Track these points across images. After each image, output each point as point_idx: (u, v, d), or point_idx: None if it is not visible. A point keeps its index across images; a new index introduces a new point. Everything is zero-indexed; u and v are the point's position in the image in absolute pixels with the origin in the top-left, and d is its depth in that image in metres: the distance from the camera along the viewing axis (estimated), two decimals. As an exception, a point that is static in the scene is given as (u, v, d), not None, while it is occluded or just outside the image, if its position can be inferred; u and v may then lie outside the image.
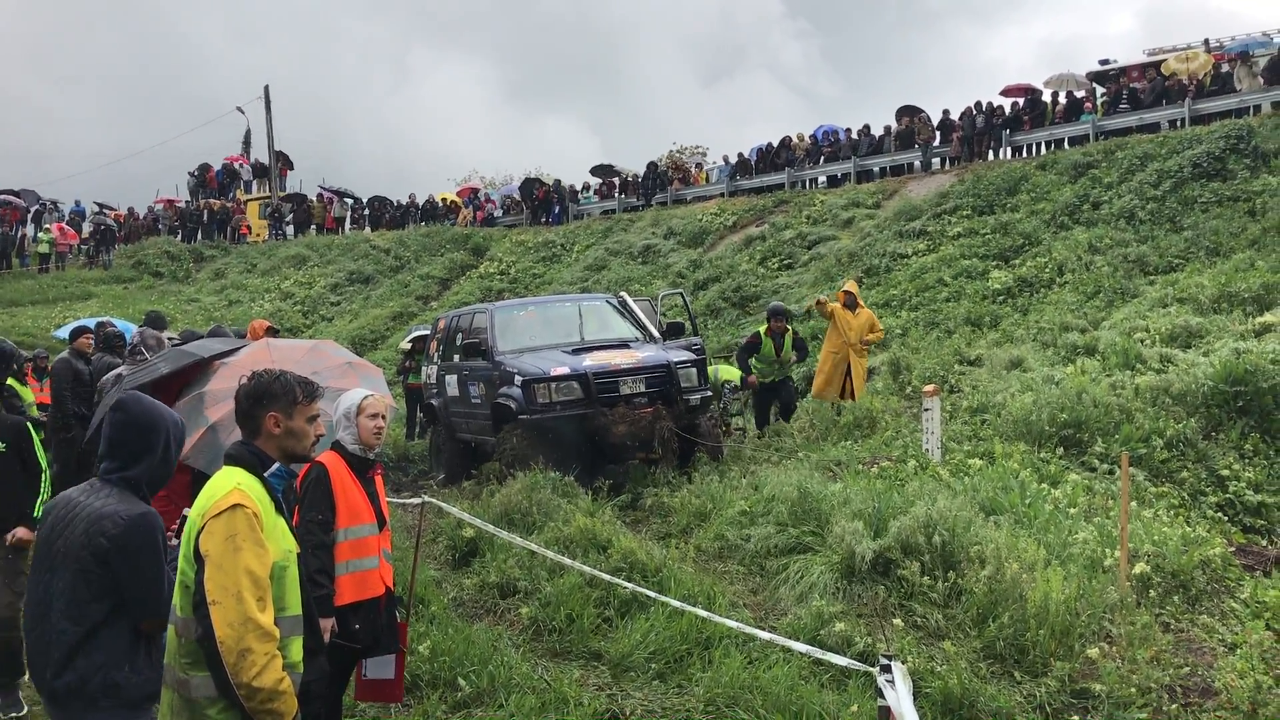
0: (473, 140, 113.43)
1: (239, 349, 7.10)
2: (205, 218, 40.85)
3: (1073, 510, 8.16)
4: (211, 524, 3.26)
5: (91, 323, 12.55)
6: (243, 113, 45.82)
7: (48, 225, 39.48)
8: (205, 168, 45.26)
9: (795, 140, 31.24)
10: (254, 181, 45.05)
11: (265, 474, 3.46)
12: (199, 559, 3.26)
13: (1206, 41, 28.58)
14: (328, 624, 4.71)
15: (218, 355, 6.90)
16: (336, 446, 4.97)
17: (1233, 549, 7.95)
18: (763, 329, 14.01)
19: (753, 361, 13.75)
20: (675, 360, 11.59)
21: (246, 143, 45.57)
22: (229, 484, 3.35)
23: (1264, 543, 8.80)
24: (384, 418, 5.10)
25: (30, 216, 41.63)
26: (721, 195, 31.58)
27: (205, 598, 3.20)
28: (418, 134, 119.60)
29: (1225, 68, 24.00)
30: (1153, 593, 6.66)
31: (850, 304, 14.05)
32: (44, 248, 36.85)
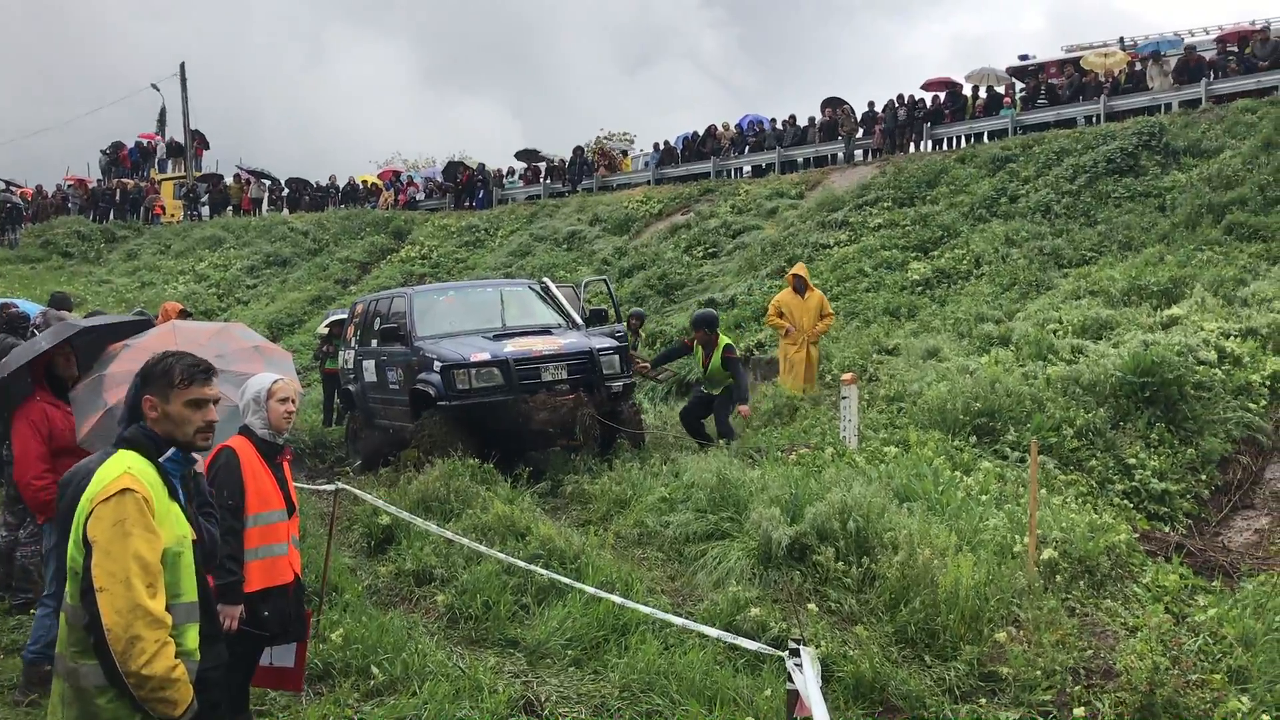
0: (391, 122, 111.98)
1: (138, 330, 6.90)
2: (118, 197, 39.76)
3: (984, 497, 8.31)
4: (99, 509, 3.15)
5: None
6: (157, 90, 44.74)
7: (-51, 203, 38.13)
8: (118, 145, 44.10)
9: (721, 130, 31.35)
10: (169, 160, 43.97)
11: (161, 458, 3.35)
12: (87, 545, 3.16)
13: (1121, 40, 29.28)
14: (237, 610, 4.62)
15: (108, 332, 6.69)
16: (245, 431, 4.89)
17: (1137, 535, 8.17)
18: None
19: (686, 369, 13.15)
20: (598, 347, 11.56)
21: (161, 120, 44.48)
22: (119, 468, 3.24)
23: (1166, 529, 9.05)
24: (294, 402, 5.02)
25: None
26: (648, 183, 31.58)
27: (93, 584, 3.10)
28: (334, 115, 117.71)
29: (1139, 66, 24.61)
30: (1059, 578, 6.81)
31: (799, 288, 13.73)
32: (-55, 227, 35.62)
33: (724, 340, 12.04)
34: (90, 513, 3.18)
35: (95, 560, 3.11)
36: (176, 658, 3.17)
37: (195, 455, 3.53)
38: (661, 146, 32.80)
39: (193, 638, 3.30)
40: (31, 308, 11.00)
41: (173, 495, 3.34)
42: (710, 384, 12.13)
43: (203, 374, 3.43)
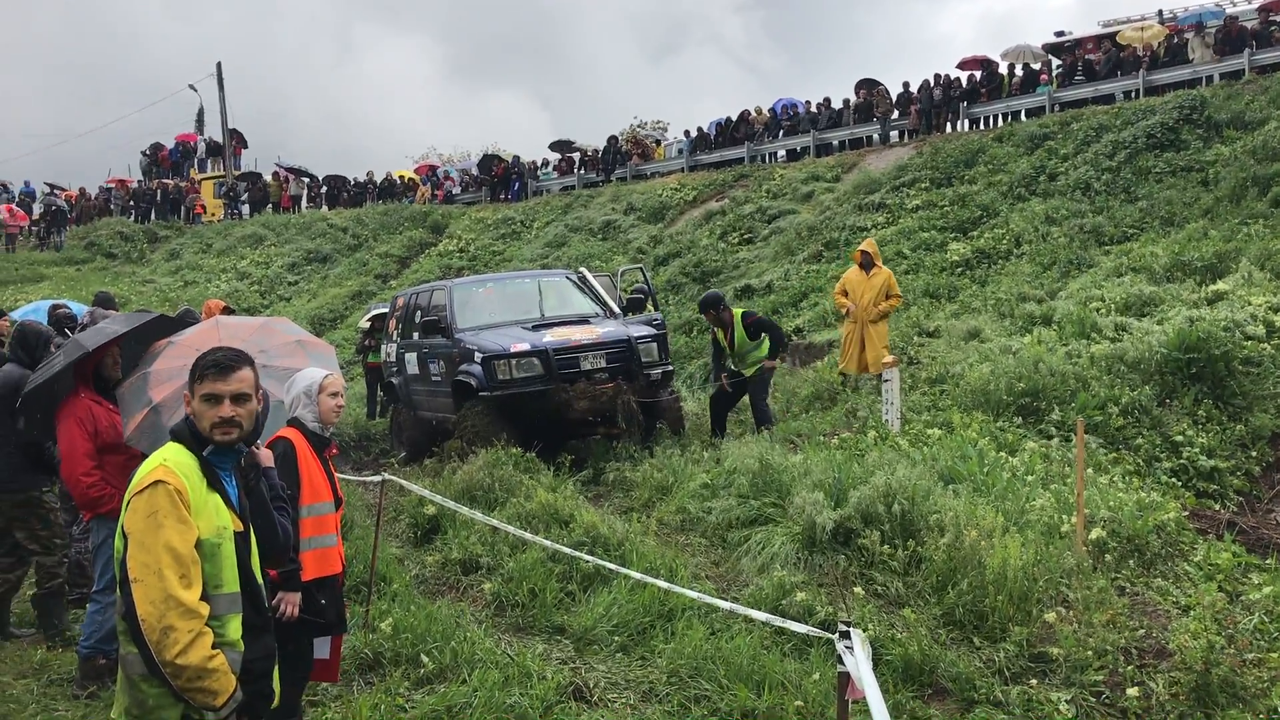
0: (419, 117, 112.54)
1: (178, 326, 6.96)
2: (159, 197, 40.24)
3: (1030, 478, 8.25)
4: (134, 501, 3.21)
5: (41, 304, 12.35)
6: (195, 90, 45.44)
7: (-4, 206, 38.76)
8: (158, 146, 44.63)
9: (754, 114, 31.21)
10: (208, 160, 44.43)
11: (205, 451, 3.39)
12: (124, 536, 3.21)
13: (1160, 13, 28.81)
14: (297, 597, 4.67)
15: (152, 330, 6.72)
16: (296, 424, 4.94)
17: (1186, 513, 8.07)
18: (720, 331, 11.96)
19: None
20: (636, 335, 11.58)
21: (200, 120, 44.94)
22: (156, 461, 3.30)
23: (1217, 507, 8.94)
24: (342, 396, 5.09)
25: (-21, 198, 40.90)
26: (681, 170, 31.53)
27: (129, 575, 3.16)
28: (362, 111, 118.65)
29: (1178, 39, 24.22)
30: (1108, 557, 6.75)
31: (865, 264, 12.73)
32: (-8, 230, 36.20)
33: (738, 311, 11.85)
34: (127, 505, 3.24)
35: (130, 552, 3.17)
36: (218, 648, 3.20)
37: (242, 448, 3.55)
38: (694, 133, 32.70)
39: (235, 628, 3.32)
40: (79, 308, 11.18)
41: (214, 486, 3.36)
42: (741, 361, 11.76)
43: (214, 369, 3.41)
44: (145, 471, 3.27)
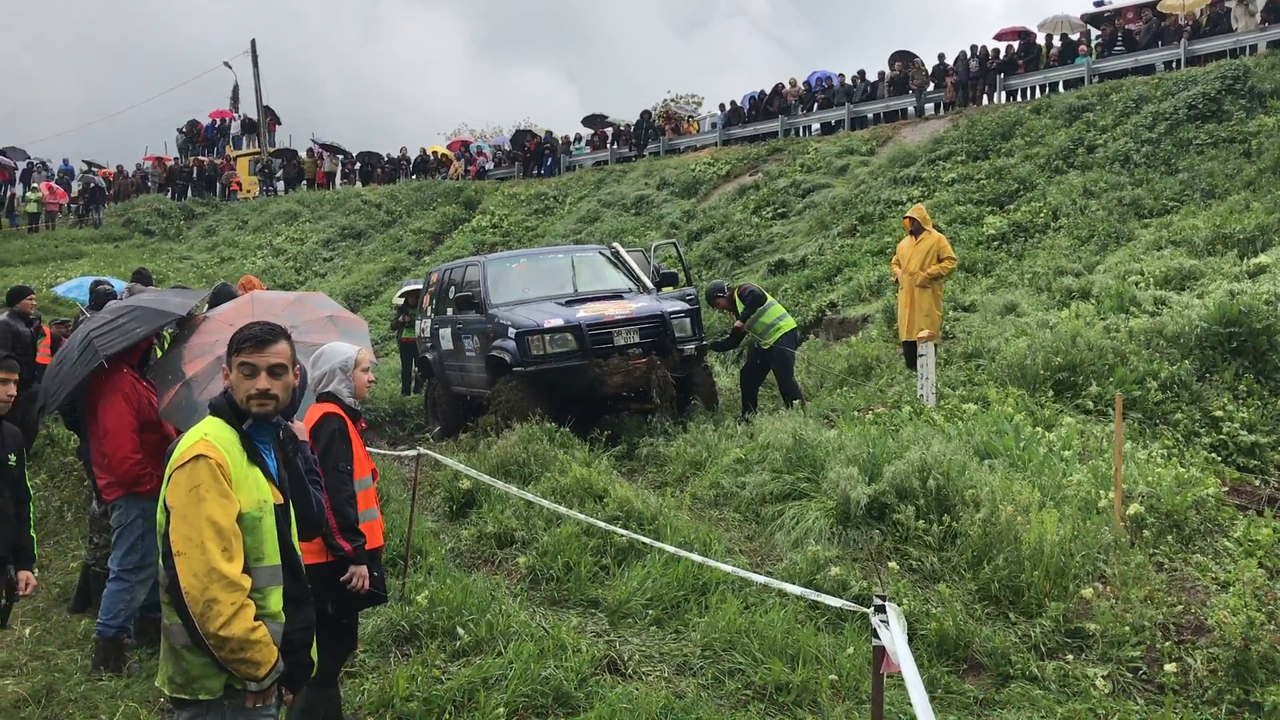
0: (445, 93, 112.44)
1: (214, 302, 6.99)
2: (195, 174, 40.53)
3: (1067, 453, 8.18)
4: (176, 475, 3.24)
5: (83, 280, 12.51)
6: (229, 67, 45.42)
7: (36, 184, 39.12)
8: (194, 124, 44.87)
9: (788, 87, 30.97)
10: (243, 137, 44.67)
11: (244, 424, 3.42)
12: (166, 510, 3.25)
13: (1203, -20, 28.25)
14: (364, 569, 4.72)
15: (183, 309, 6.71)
16: (332, 399, 4.90)
17: (1226, 489, 7.99)
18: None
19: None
20: (669, 310, 11.56)
21: (235, 97, 45.10)
22: (197, 435, 3.33)
23: (1257, 482, 8.83)
24: (373, 371, 5.12)
25: (19, 175, 41.30)
26: (715, 144, 31.36)
27: (171, 548, 3.20)
28: (389, 87, 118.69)
29: (1221, 7, 23.76)
30: (1146, 533, 6.70)
31: (914, 230, 12.20)
32: (33, 207, 36.54)
33: (736, 287, 12.22)
34: (169, 479, 3.28)
35: (172, 525, 3.21)
36: (259, 620, 3.24)
37: (280, 420, 3.59)
38: (728, 107, 32.51)
39: (276, 600, 3.36)
40: (119, 284, 11.33)
41: (254, 460, 3.40)
42: (760, 336, 11.88)
43: (251, 342, 3.44)
44: (186, 445, 3.30)
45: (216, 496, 3.20)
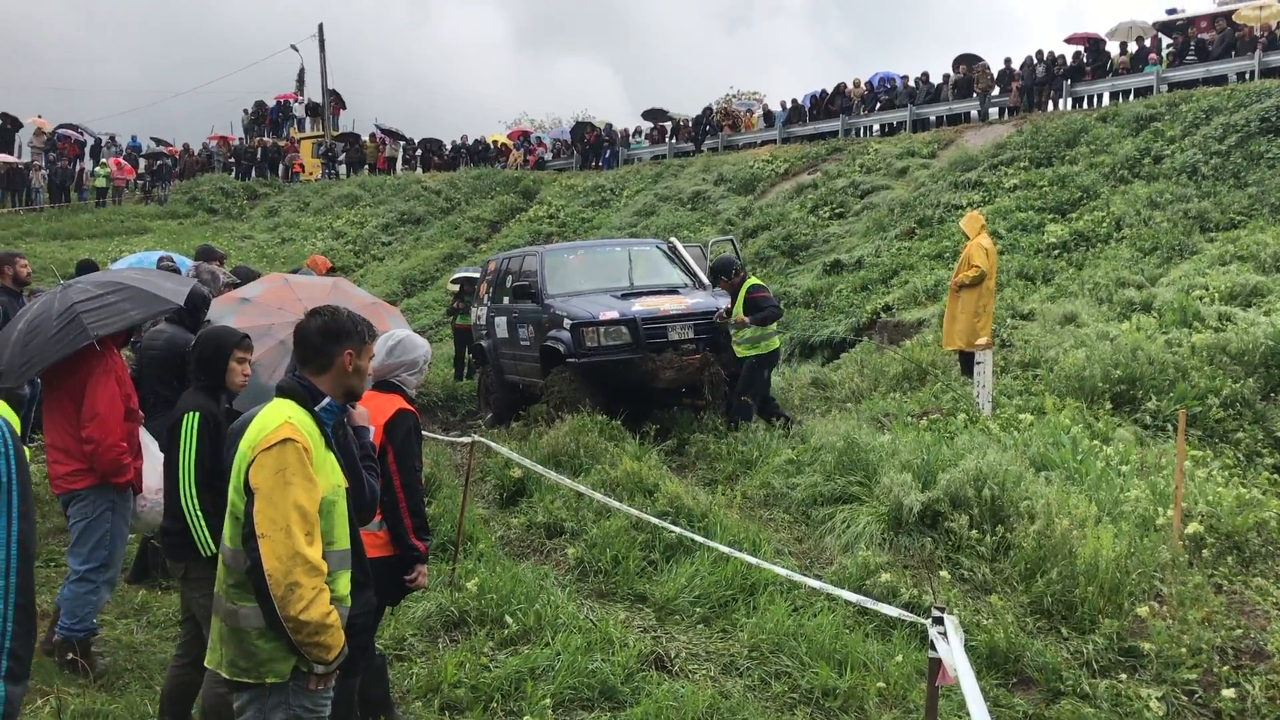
0: (491, 84, 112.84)
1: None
2: (259, 155, 41.09)
3: (1125, 468, 8.07)
4: (262, 457, 3.27)
5: (145, 255, 12.72)
6: (296, 50, 45.89)
7: (105, 160, 39.89)
8: (260, 105, 45.45)
9: (851, 87, 30.76)
10: (307, 120, 45.19)
11: (316, 408, 3.46)
12: (249, 491, 3.28)
13: (1281, -9, 27.64)
14: (424, 569, 4.74)
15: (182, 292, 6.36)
16: (399, 391, 4.76)
17: (1289, 511, 7.82)
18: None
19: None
20: (724, 307, 11.53)
21: (300, 81, 45.62)
22: (280, 417, 3.34)
23: (1320, 506, 8.64)
24: None
25: (88, 151, 42.11)
26: (774, 142, 31.23)
27: (254, 530, 3.23)
28: (436, 76, 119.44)
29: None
30: (1205, 553, 6.58)
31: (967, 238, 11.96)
32: (101, 182, 37.28)
33: (750, 281, 10.88)
34: (253, 460, 3.29)
35: (257, 507, 3.24)
36: (330, 604, 3.28)
37: (349, 405, 3.64)
38: (787, 105, 32.34)
39: (344, 584, 3.41)
40: (184, 261, 11.49)
41: (328, 445, 3.44)
42: (745, 341, 10.71)
43: (372, 334, 3.59)
44: (272, 428, 3.31)
45: (302, 480, 3.24)
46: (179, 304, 6.12)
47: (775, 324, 10.81)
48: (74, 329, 5.57)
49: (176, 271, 10.34)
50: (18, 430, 2.25)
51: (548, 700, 5.12)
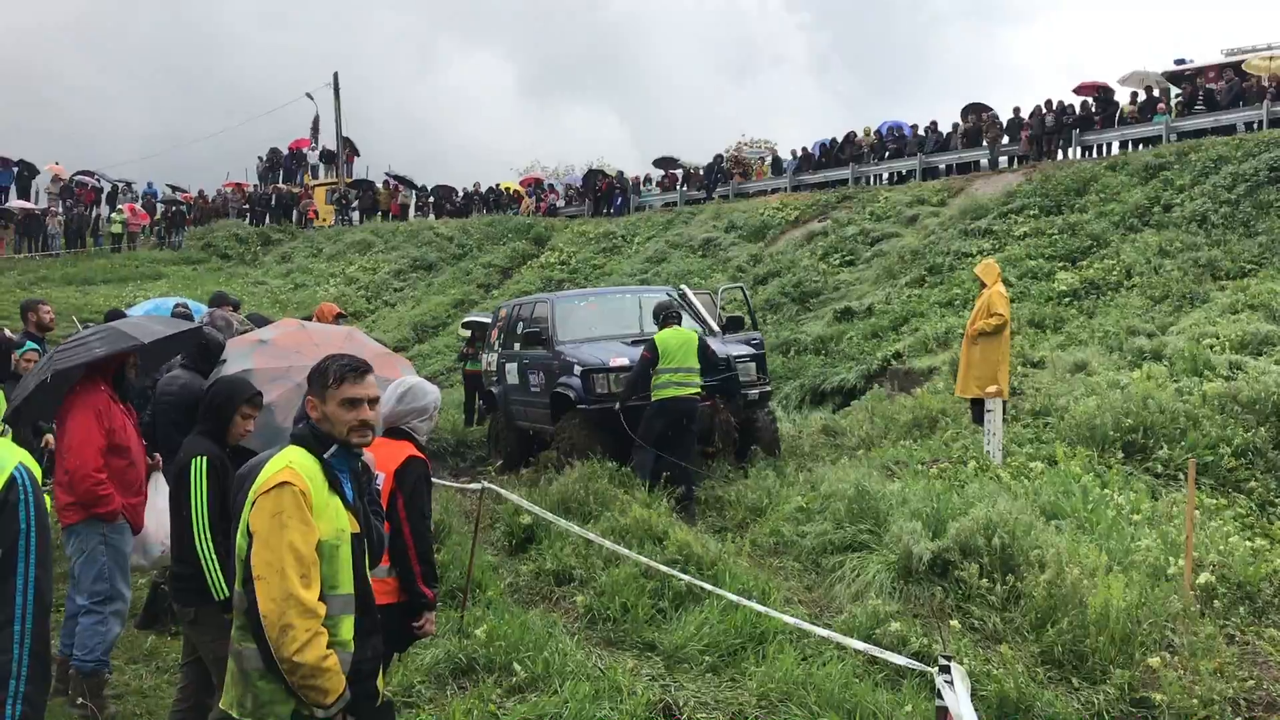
0: (497, 131, 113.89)
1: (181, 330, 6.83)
2: (273, 201, 41.46)
3: (1136, 517, 8.05)
4: (261, 500, 3.33)
5: (159, 302, 12.82)
6: (311, 98, 46.34)
7: (121, 206, 40.30)
8: (275, 152, 45.93)
9: (860, 135, 31.00)
10: (321, 166, 45.63)
11: (325, 455, 3.48)
12: (249, 535, 3.34)
13: (1288, 41, 27.83)
14: (433, 618, 4.75)
15: (169, 344, 6.57)
16: (410, 439, 4.73)
17: (1302, 562, 7.77)
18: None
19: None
20: (734, 354, 11.58)
21: (315, 128, 46.10)
22: (282, 463, 3.40)
23: (1334, 557, 8.59)
24: None
25: (104, 197, 42.57)
26: (784, 189, 31.42)
27: (252, 573, 3.28)
28: (444, 123, 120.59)
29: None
30: (1217, 603, 6.55)
31: (982, 286, 11.80)
32: (117, 228, 37.66)
33: (690, 334, 10.61)
34: (253, 504, 3.36)
35: (255, 549, 3.30)
36: (331, 648, 3.29)
37: (361, 451, 3.66)
38: (799, 153, 32.58)
39: (347, 629, 3.42)
40: (198, 307, 11.59)
41: (334, 489, 3.46)
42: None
43: (354, 373, 3.52)
44: (272, 473, 3.38)
45: (298, 524, 3.28)
46: (144, 342, 6.16)
47: (665, 375, 10.28)
48: (44, 368, 5.95)
49: (190, 319, 10.46)
50: (39, 478, 2.29)
51: (556, 748, 5.11)
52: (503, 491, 8.78)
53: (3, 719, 2.15)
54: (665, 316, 10.75)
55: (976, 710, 5.29)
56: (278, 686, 3.31)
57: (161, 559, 6.04)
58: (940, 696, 3.50)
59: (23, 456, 2.29)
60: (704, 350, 10.51)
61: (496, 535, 9.62)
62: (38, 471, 2.31)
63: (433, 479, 5.31)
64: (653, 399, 10.34)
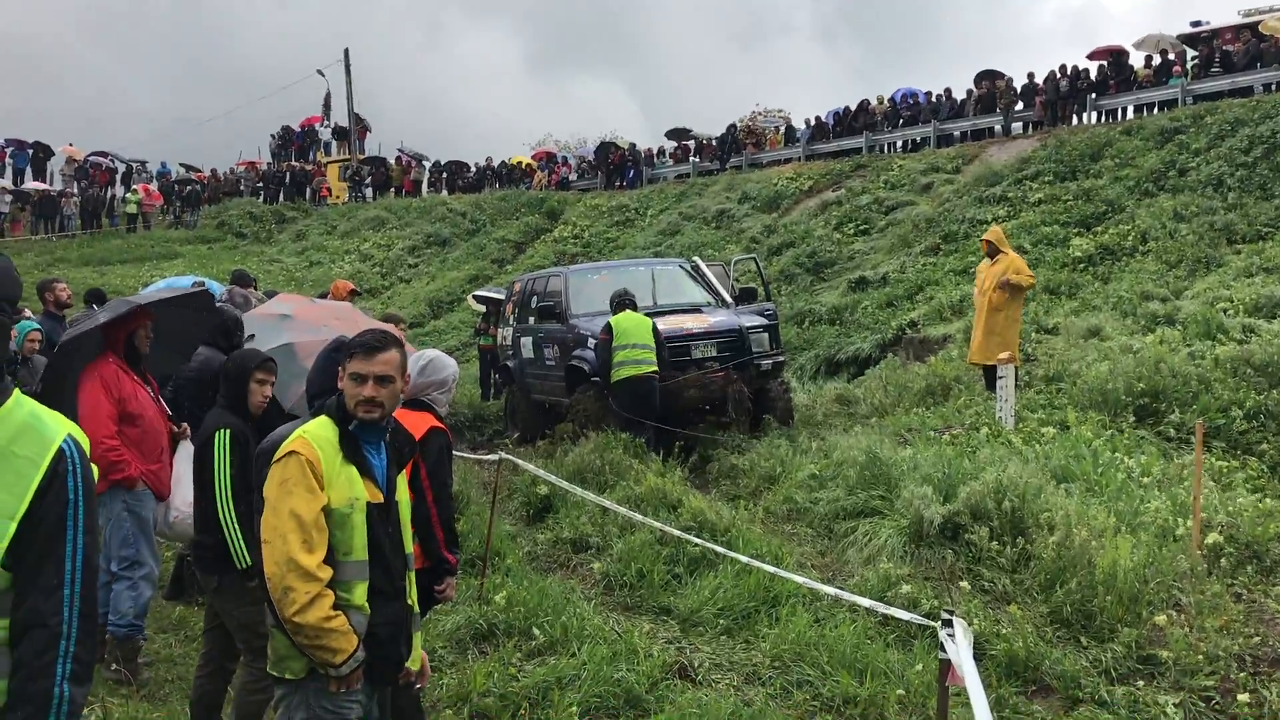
0: (515, 106, 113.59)
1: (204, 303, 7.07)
2: (287, 179, 41.57)
3: (1146, 480, 8.11)
4: (272, 469, 3.46)
5: (174, 280, 12.95)
6: (323, 75, 46.39)
7: (136, 186, 40.48)
8: (287, 129, 46.00)
9: (874, 104, 30.87)
10: (333, 143, 45.69)
11: (350, 425, 3.55)
12: (263, 501, 3.49)
13: (1306, 2, 27.57)
14: (454, 582, 4.89)
15: (178, 305, 6.83)
16: (430, 410, 4.82)
17: (1311, 522, 7.83)
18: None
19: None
20: (747, 325, 11.66)
21: (326, 105, 46.13)
22: (298, 433, 3.52)
23: (1344, 517, 8.64)
24: None
25: (119, 178, 42.76)
26: (798, 159, 31.34)
27: (261, 536, 3.44)
28: (451, 97, 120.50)
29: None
30: (1224, 563, 6.62)
31: (990, 253, 11.85)
32: (132, 208, 37.84)
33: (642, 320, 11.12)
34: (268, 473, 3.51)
35: (264, 516, 3.44)
36: (342, 610, 3.39)
37: (389, 423, 3.73)
38: (812, 122, 32.47)
39: (361, 593, 3.50)
40: (216, 286, 11.70)
41: (350, 459, 3.52)
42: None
43: (362, 350, 3.58)
44: (286, 443, 3.51)
45: (302, 491, 3.38)
46: (141, 304, 6.35)
47: (622, 354, 10.81)
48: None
49: (212, 298, 10.58)
50: (86, 450, 2.41)
51: (574, 708, 5.24)
52: (520, 462, 8.91)
53: (53, 676, 2.27)
54: (619, 303, 11.20)
55: (985, 669, 5.42)
56: (290, 642, 3.45)
57: (178, 524, 6.16)
58: (943, 649, 3.60)
59: (71, 428, 2.41)
60: (655, 332, 10.97)
61: (514, 505, 9.76)
62: (86, 444, 2.42)
63: (453, 451, 5.43)
64: (613, 379, 10.76)
